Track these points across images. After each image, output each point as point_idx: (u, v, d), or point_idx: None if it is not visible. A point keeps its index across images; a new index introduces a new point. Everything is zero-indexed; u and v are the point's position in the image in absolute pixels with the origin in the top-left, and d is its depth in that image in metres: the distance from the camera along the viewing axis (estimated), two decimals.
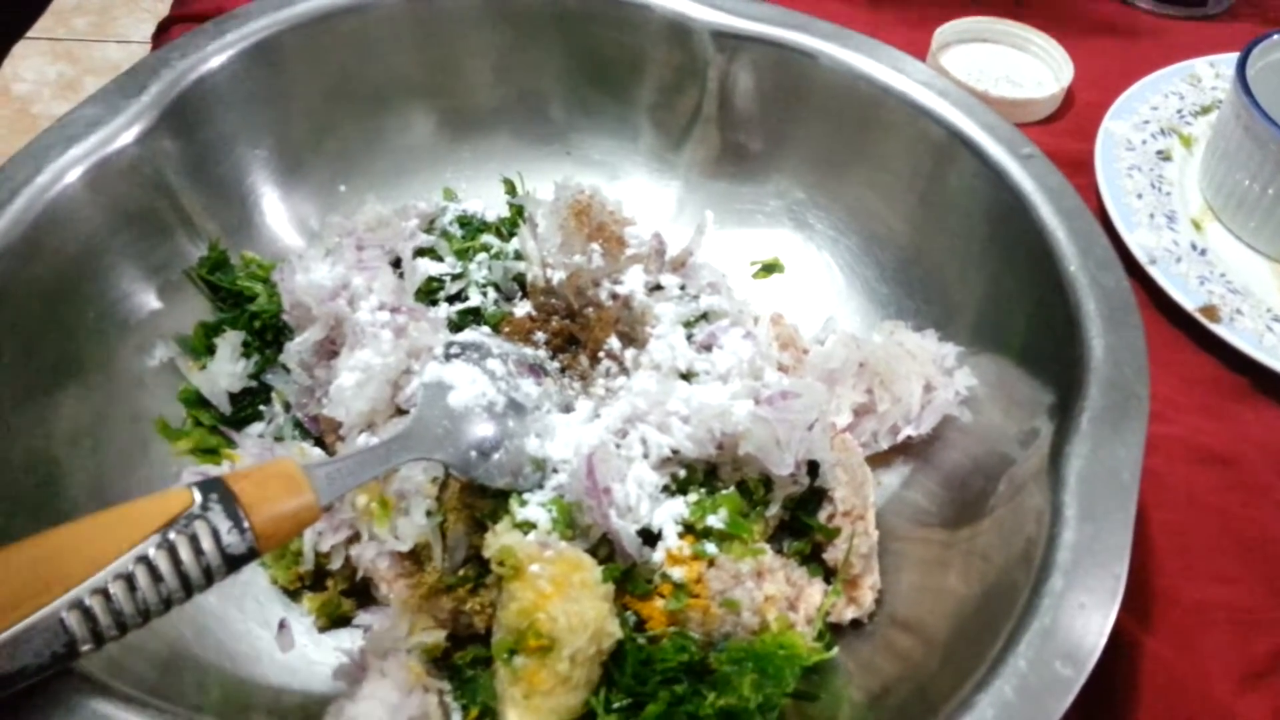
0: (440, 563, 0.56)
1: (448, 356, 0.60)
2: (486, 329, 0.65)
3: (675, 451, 0.58)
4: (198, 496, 0.44)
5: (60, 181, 0.60)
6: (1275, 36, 0.82)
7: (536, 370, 0.62)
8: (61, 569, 0.41)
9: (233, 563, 0.44)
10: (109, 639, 0.41)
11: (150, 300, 0.66)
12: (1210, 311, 0.74)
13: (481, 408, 0.57)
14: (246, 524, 0.44)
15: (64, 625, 0.40)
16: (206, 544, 0.43)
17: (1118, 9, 1.06)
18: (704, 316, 0.67)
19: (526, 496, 0.56)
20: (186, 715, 0.45)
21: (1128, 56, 0.98)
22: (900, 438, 0.65)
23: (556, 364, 0.64)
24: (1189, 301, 0.75)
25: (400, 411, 0.61)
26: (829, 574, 0.60)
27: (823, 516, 0.61)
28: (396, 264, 0.69)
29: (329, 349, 0.64)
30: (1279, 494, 0.67)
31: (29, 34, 1.90)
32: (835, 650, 0.56)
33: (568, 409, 0.61)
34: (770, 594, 0.56)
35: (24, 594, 0.40)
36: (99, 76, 0.60)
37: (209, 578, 0.44)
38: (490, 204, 0.76)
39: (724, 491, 0.58)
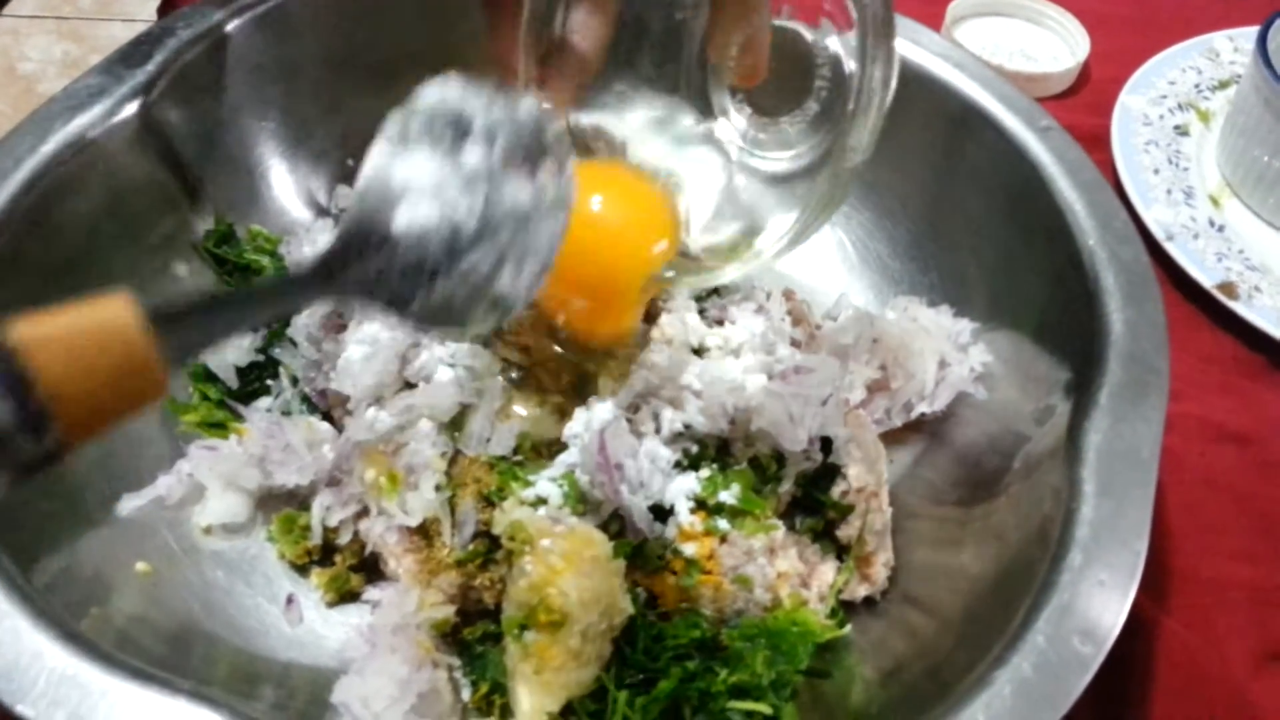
0: (449, 538, 0.56)
1: (405, 137, 0.41)
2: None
3: (687, 426, 0.57)
4: None
5: (64, 152, 0.59)
6: None
7: (531, 159, 0.42)
8: None
9: (25, 473, 0.29)
10: None
11: (156, 274, 0.65)
12: (1228, 288, 0.73)
13: (440, 239, 0.39)
14: (47, 420, 0.29)
15: None
16: None
17: None
18: (715, 291, 0.66)
19: (533, 477, 0.55)
20: (194, 689, 0.44)
21: (1144, 31, 0.97)
22: (914, 414, 0.64)
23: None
24: (1207, 278, 0.74)
25: (408, 385, 0.61)
26: (841, 551, 0.59)
27: (835, 493, 0.60)
28: None
29: (336, 323, 0.64)
30: None
31: (35, 13, 1.89)
32: (848, 628, 0.55)
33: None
34: (783, 571, 0.55)
35: None
36: (104, 55, 0.59)
37: None
38: None
39: (736, 467, 0.57)
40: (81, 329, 0.30)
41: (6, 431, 0.28)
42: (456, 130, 0.41)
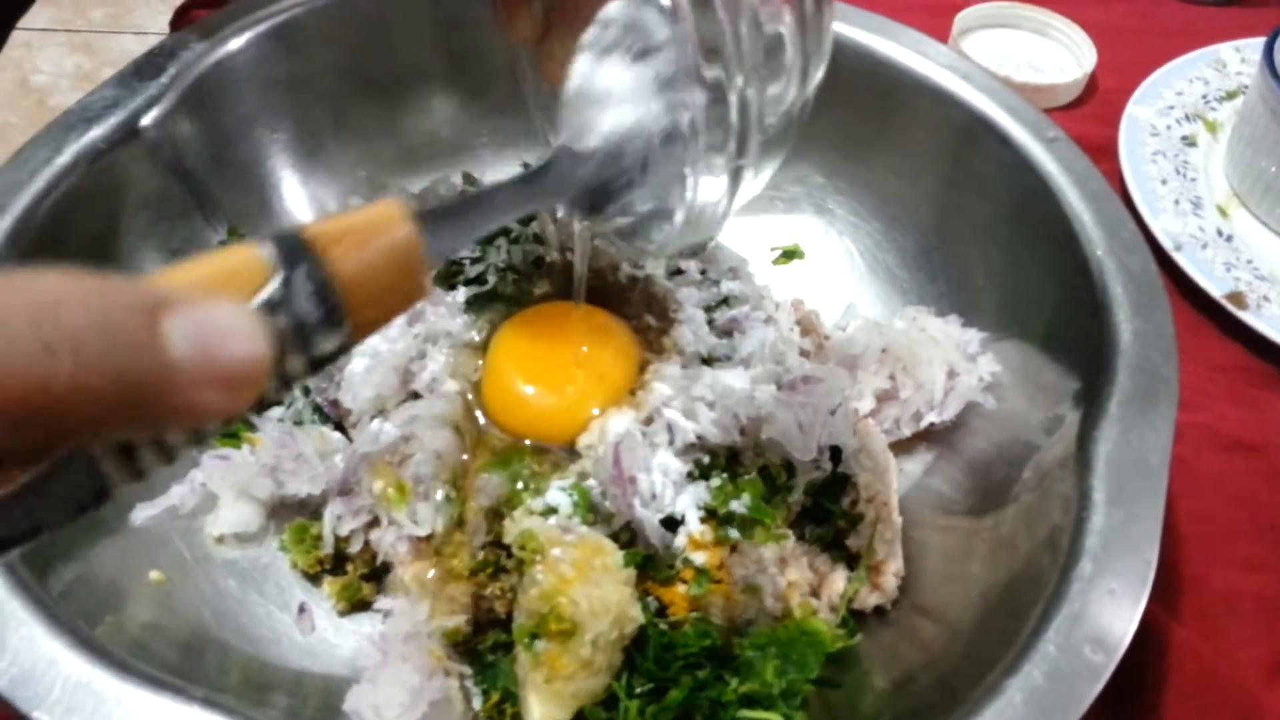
0: (442, 541, 0.56)
1: (603, 49, 0.42)
2: None
3: (700, 438, 0.57)
4: (277, 270, 0.29)
5: (79, 163, 0.60)
6: None
7: (704, 84, 0.38)
8: None
9: (316, 367, 0.31)
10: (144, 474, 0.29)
11: None
12: (1237, 298, 0.73)
13: (639, 141, 0.40)
14: (342, 315, 0.30)
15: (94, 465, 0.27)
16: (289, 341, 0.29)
17: None
18: (725, 301, 0.66)
19: (543, 485, 0.55)
20: (207, 696, 0.44)
21: (1151, 42, 0.97)
22: (923, 424, 0.64)
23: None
24: (1215, 288, 0.74)
25: (414, 395, 0.61)
26: (852, 560, 0.59)
27: (845, 503, 0.60)
28: None
29: None
30: None
31: (47, 26, 1.91)
32: (858, 637, 0.55)
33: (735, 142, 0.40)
34: (793, 580, 0.55)
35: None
36: (116, 68, 0.60)
37: (285, 385, 0.30)
38: None
39: (746, 477, 0.57)
40: (366, 230, 0.31)
41: (311, 325, 0.29)
42: (642, 40, 0.41)
